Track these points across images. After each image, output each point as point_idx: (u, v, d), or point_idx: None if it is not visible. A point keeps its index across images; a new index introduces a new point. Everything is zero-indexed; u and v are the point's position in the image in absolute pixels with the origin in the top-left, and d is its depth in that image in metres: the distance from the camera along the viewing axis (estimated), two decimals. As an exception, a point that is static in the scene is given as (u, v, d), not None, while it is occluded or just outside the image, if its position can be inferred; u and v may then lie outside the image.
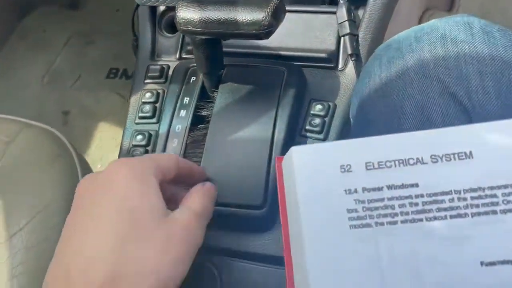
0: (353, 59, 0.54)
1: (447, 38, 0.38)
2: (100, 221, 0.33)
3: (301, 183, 0.30)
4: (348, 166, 0.30)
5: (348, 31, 0.54)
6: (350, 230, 0.29)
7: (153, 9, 0.63)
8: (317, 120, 0.52)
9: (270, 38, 0.45)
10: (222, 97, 0.51)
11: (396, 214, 0.29)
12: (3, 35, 1.33)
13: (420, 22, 1.02)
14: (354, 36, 0.55)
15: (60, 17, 1.32)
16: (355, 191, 0.30)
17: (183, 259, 0.34)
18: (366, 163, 0.30)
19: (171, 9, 0.63)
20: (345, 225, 0.29)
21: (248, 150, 0.48)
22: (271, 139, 0.48)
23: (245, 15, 0.44)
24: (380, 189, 0.29)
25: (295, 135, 0.52)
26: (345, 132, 0.53)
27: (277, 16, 0.44)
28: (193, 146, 0.51)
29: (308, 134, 0.52)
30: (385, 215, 0.29)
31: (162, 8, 0.63)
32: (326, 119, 0.52)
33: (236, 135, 0.49)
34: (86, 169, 0.61)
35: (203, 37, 0.47)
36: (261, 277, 0.47)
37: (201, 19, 0.44)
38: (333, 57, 0.56)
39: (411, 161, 0.30)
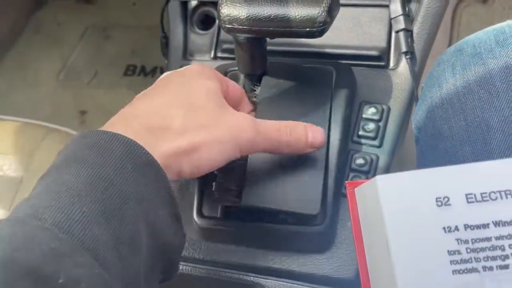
0: (407, 57, 0.49)
1: None
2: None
3: (391, 220, 0.26)
4: (446, 199, 0.26)
5: (403, 26, 0.49)
6: (453, 276, 0.24)
7: (184, 4, 0.58)
8: (371, 125, 0.47)
9: None
10: (265, 94, 0.46)
11: (507, 257, 0.25)
12: (17, 28, 1.29)
13: (454, 14, 0.96)
14: (408, 32, 0.50)
15: (74, 10, 1.27)
16: (456, 228, 0.25)
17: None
18: (466, 194, 0.26)
19: (203, 3, 0.58)
20: (446, 270, 0.25)
21: (302, 155, 0.43)
22: (327, 145, 0.44)
23: (298, 11, 0.39)
24: (485, 226, 0.25)
25: (347, 140, 0.47)
26: (401, 139, 0.49)
27: (332, 12, 0.40)
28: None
29: (362, 140, 0.47)
30: (494, 258, 0.25)
31: (194, 2, 0.58)
32: (381, 123, 0.48)
33: None
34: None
35: (250, 35, 0.42)
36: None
37: (249, 15, 0.40)
38: (384, 54, 0.51)
39: (521, 192, 0.25)
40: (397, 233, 0.26)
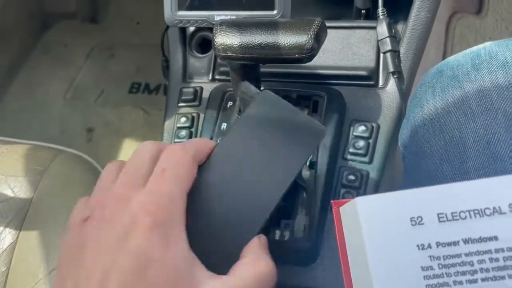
0: (395, 76, 0.52)
1: (509, 66, 0.35)
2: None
3: (370, 239, 0.28)
4: (419, 219, 0.28)
5: (389, 47, 0.52)
6: (426, 290, 0.27)
7: (183, 29, 0.61)
8: (361, 143, 0.49)
9: None
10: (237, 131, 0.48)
11: (475, 271, 0.27)
12: (27, 48, 1.33)
13: (448, 26, 0.98)
14: (395, 53, 0.52)
15: (80, 31, 1.32)
16: (429, 246, 0.27)
17: None
18: (438, 214, 0.28)
19: (201, 29, 0.61)
20: (420, 285, 0.27)
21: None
22: (315, 167, 0.46)
23: (287, 39, 0.42)
24: (456, 243, 0.27)
25: (337, 158, 0.50)
26: (391, 155, 0.51)
27: (319, 38, 0.42)
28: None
29: (352, 157, 0.50)
30: (464, 273, 0.27)
31: (192, 28, 0.61)
32: (370, 140, 0.50)
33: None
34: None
35: (243, 62, 0.45)
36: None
37: (241, 44, 0.42)
38: (373, 74, 0.54)
39: (488, 211, 0.27)
40: (375, 250, 0.28)
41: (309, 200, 0.46)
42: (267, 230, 0.44)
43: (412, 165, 0.41)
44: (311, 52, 0.42)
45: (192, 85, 0.59)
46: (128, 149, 1.07)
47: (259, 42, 0.42)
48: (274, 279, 0.31)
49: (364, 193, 0.47)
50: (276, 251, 0.45)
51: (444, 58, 0.53)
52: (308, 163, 0.52)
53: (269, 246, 0.44)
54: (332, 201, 0.33)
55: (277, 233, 0.48)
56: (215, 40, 0.43)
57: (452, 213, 0.28)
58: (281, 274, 0.45)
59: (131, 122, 1.12)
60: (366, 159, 0.49)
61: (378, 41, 0.53)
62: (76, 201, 0.57)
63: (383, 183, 0.48)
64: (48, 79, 1.25)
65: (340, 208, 0.32)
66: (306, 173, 0.52)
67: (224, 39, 0.43)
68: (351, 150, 0.49)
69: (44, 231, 0.53)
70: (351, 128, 0.51)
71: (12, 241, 0.53)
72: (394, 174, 0.52)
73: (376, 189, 0.47)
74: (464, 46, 0.47)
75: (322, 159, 0.48)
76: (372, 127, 0.50)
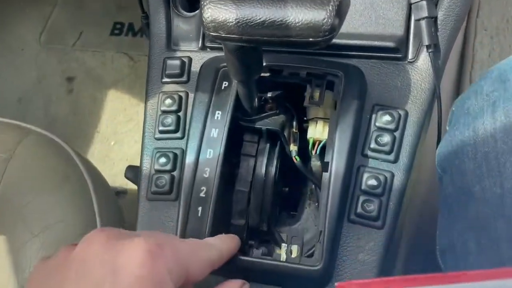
0: (430, 50, 0.42)
1: None
2: None
3: None
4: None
5: (425, 14, 0.41)
6: None
7: (164, -19, 0.49)
8: (386, 138, 0.41)
9: None
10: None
11: None
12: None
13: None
14: (431, 19, 0.42)
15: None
16: None
17: None
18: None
19: (187, -19, 0.49)
20: None
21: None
22: (330, 162, 0.39)
23: (298, 15, 0.31)
24: None
25: (355, 155, 0.41)
26: (420, 150, 0.42)
27: (341, 14, 0.32)
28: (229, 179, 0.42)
29: (374, 154, 0.41)
30: None
31: (176, -22, 0.49)
32: (397, 133, 0.41)
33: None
34: (99, 186, 0.52)
35: (240, 44, 0.35)
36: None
37: (239, 21, 0.32)
38: (401, 45, 0.44)
39: None
40: None
41: (321, 208, 0.39)
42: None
43: (456, 201, 0.33)
44: (330, 34, 0.32)
45: (179, 54, 0.48)
46: (114, 102, 0.97)
47: (262, 18, 0.32)
48: None
49: (387, 202, 0.39)
50: (282, 274, 0.39)
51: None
52: (318, 151, 0.44)
53: (273, 268, 0.38)
54: (336, 284, 0.26)
55: (283, 248, 0.41)
56: (204, 14, 0.33)
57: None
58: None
59: (115, 70, 1.00)
60: (391, 157, 0.41)
61: (410, 4, 0.42)
62: (51, 195, 0.48)
63: (408, 188, 0.40)
64: (19, 18, 1.10)
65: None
66: (315, 163, 0.44)
67: (216, 12, 0.33)
68: (372, 145, 0.41)
69: (11, 238, 0.45)
70: (373, 116, 0.42)
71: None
72: (420, 177, 0.43)
73: (401, 198, 0.39)
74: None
75: (338, 157, 0.39)
76: (400, 115, 0.41)
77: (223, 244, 0.34)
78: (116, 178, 0.87)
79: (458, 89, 0.79)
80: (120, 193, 0.89)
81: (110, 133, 0.92)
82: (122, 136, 0.92)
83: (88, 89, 0.99)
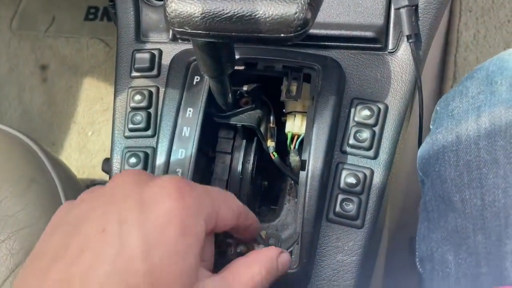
0: (410, 40, 0.40)
1: None
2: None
3: None
4: None
5: (406, 2, 0.39)
6: None
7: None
8: (365, 133, 0.39)
9: None
10: None
11: None
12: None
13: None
14: (412, 8, 0.40)
15: None
16: None
17: None
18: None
19: (155, -33, 0.46)
20: None
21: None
22: (307, 160, 0.38)
23: (268, 8, 0.29)
24: None
25: (333, 151, 0.40)
26: (400, 144, 0.41)
27: (315, 7, 0.30)
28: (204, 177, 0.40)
29: (353, 151, 0.40)
30: None
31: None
32: (376, 129, 0.40)
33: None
34: (69, 186, 0.49)
35: (208, 40, 0.32)
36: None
37: (205, 15, 0.30)
38: (381, 35, 0.42)
39: None
40: None
41: (299, 206, 0.37)
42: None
43: (435, 209, 0.31)
44: (303, 30, 0.30)
45: (148, 46, 0.46)
46: (90, 90, 0.93)
47: (229, 13, 0.30)
48: None
49: (367, 201, 0.38)
50: None
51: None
52: (296, 146, 0.42)
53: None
54: None
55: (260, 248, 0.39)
56: (167, 9, 0.31)
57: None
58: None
59: (90, 56, 0.97)
60: (370, 153, 0.39)
61: (390, -8, 0.40)
62: (16, 201, 0.46)
63: (389, 185, 0.39)
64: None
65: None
66: (294, 158, 0.43)
67: (180, 7, 0.30)
68: (351, 141, 0.39)
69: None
70: (352, 111, 0.40)
71: None
72: (399, 173, 0.42)
73: (381, 195, 0.38)
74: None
75: (315, 155, 0.38)
76: (379, 109, 0.40)
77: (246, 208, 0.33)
78: (95, 170, 0.85)
79: (442, 73, 0.77)
80: (99, 184, 0.86)
81: (87, 123, 0.89)
82: (100, 126, 0.89)
83: (63, 77, 0.95)
